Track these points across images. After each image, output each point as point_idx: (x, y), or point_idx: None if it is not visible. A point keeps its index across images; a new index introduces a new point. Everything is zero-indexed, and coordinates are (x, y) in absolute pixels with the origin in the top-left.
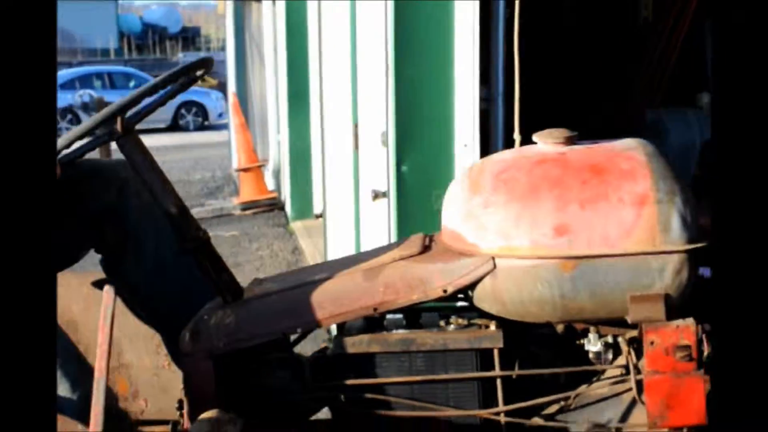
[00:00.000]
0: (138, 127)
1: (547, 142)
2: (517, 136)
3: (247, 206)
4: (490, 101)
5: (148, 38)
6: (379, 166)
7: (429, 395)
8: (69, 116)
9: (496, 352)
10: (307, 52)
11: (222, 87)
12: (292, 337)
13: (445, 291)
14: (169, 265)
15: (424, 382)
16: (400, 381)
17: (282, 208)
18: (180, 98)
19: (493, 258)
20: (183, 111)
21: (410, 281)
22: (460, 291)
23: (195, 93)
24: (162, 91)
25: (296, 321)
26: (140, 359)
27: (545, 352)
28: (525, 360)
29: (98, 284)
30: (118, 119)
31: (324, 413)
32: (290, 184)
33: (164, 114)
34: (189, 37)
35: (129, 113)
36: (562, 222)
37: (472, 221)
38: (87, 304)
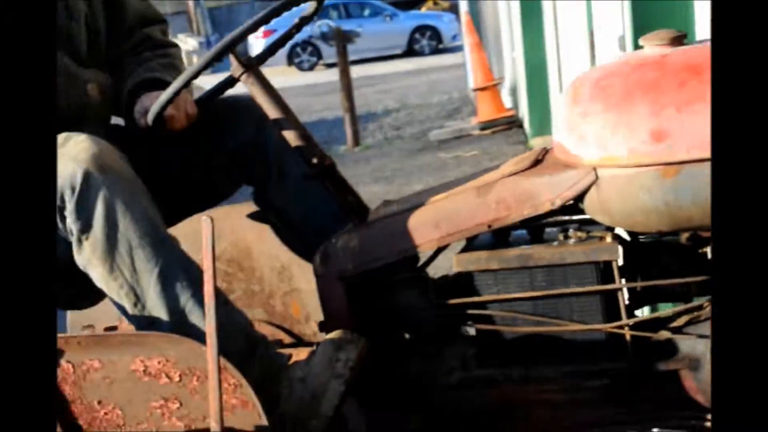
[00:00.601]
0: (374, 54)
1: (652, 45)
2: None
3: (485, 125)
4: None
5: None
6: None
7: (552, 310)
8: (309, 48)
9: (614, 264)
10: None
11: (454, 9)
12: (423, 258)
13: (552, 204)
14: (311, 190)
15: (544, 297)
16: (521, 297)
17: (520, 125)
18: (413, 23)
19: (595, 168)
20: (417, 36)
21: (520, 196)
22: (568, 203)
23: (428, 17)
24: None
25: (414, 241)
26: (309, 284)
27: (673, 262)
28: (650, 271)
29: (253, 216)
30: (234, 60)
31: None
32: (528, 101)
33: (399, 40)
34: None
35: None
36: (659, 127)
37: (573, 132)
38: (259, 231)
